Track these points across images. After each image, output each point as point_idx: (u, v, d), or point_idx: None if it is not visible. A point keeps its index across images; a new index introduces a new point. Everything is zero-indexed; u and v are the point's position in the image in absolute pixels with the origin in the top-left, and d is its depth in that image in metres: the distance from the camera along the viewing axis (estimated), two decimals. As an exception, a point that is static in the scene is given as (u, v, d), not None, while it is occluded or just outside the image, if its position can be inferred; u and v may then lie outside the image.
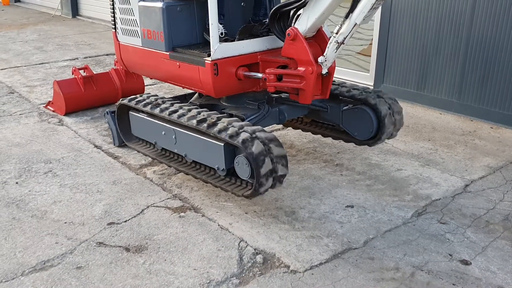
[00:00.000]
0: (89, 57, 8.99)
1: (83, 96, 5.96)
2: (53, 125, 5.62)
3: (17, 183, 4.26)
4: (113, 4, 4.48)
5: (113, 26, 4.59)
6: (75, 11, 13.51)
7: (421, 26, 5.79)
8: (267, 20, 3.71)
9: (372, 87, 6.49)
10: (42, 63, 8.54)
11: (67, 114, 5.90)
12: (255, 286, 2.95)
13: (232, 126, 3.38)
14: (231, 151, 3.49)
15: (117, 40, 4.57)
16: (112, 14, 4.53)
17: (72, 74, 6.06)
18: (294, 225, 3.56)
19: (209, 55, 3.57)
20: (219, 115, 3.58)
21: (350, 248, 3.30)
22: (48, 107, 6.16)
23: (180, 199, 3.95)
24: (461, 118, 5.57)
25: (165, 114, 3.78)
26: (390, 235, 3.43)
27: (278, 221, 3.62)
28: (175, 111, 3.74)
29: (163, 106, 3.87)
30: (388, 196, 3.94)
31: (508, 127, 5.21)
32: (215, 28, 3.48)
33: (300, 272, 3.06)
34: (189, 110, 3.69)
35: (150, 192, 4.08)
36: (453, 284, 2.93)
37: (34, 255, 3.28)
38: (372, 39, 6.51)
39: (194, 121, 3.53)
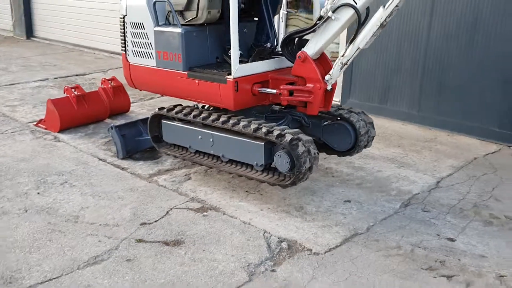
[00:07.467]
0: (59, 77, 9.19)
1: (76, 113, 6.29)
2: (50, 142, 5.90)
3: (38, 193, 4.57)
4: (124, 29, 4.94)
5: (123, 48, 5.04)
6: (30, 32, 13.48)
7: (383, 45, 6.63)
8: (280, 45, 4.34)
9: (339, 103, 7.27)
10: (13, 84, 8.66)
11: (60, 131, 6.19)
12: (288, 266, 3.51)
13: (275, 129, 4.01)
14: (269, 149, 4.11)
15: (127, 61, 5.02)
16: (123, 38, 4.98)
17: (64, 93, 6.38)
18: (305, 218, 4.16)
19: (229, 74, 4.15)
20: (260, 120, 4.21)
21: (357, 233, 3.94)
22: (40, 125, 6.41)
23: (198, 201, 4.44)
24: (421, 128, 6.43)
25: (209, 121, 4.36)
26: (387, 222, 4.11)
27: (291, 215, 4.21)
28: (217, 119, 4.33)
29: (203, 115, 4.45)
30: (377, 192, 4.64)
31: (462, 134, 6.11)
32: (236, 51, 4.07)
33: (321, 254, 3.66)
34: (230, 118, 4.29)
35: (168, 196, 4.54)
36: (446, 256, 3.64)
37: (83, 252, 3.65)
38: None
39: (240, 126, 4.14)
